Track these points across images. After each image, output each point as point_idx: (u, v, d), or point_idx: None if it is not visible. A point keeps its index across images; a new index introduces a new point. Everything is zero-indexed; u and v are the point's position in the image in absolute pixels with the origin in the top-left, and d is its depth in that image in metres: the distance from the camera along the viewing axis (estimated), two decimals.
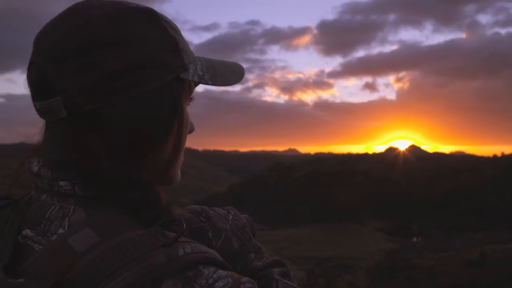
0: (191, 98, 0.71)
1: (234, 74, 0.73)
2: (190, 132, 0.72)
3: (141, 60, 0.60)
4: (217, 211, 0.86)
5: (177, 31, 0.67)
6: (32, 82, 0.62)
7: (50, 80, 0.60)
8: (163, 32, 0.64)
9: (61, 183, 0.61)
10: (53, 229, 0.58)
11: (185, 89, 0.67)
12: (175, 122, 0.65)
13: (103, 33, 0.59)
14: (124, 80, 0.59)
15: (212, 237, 0.80)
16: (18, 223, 0.60)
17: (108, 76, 0.59)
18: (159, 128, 0.63)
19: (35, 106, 0.63)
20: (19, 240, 0.58)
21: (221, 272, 0.54)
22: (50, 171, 0.62)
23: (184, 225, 0.59)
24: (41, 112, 0.63)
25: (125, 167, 0.60)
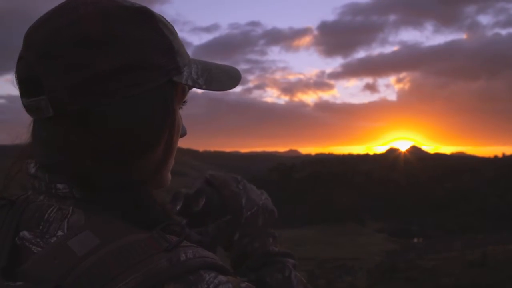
0: (184, 102, 0.70)
1: (230, 79, 0.72)
2: (182, 135, 0.71)
3: (134, 61, 0.59)
4: (253, 187, 0.91)
5: (173, 32, 0.65)
6: (20, 78, 0.61)
7: (38, 76, 0.58)
8: (158, 33, 0.62)
9: (59, 185, 0.60)
10: (52, 231, 0.57)
11: (178, 92, 0.66)
12: (166, 125, 0.63)
13: (96, 31, 0.57)
14: (114, 81, 0.57)
15: (245, 205, 0.85)
16: (15, 224, 0.59)
17: (98, 76, 0.57)
18: (150, 130, 0.61)
19: (22, 103, 0.62)
20: (17, 241, 0.57)
21: (222, 278, 0.54)
22: (47, 174, 0.61)
23: (186, 230, 0.58)
24: (28, 109, 0.61)
25: (115, 169, 0.59)
